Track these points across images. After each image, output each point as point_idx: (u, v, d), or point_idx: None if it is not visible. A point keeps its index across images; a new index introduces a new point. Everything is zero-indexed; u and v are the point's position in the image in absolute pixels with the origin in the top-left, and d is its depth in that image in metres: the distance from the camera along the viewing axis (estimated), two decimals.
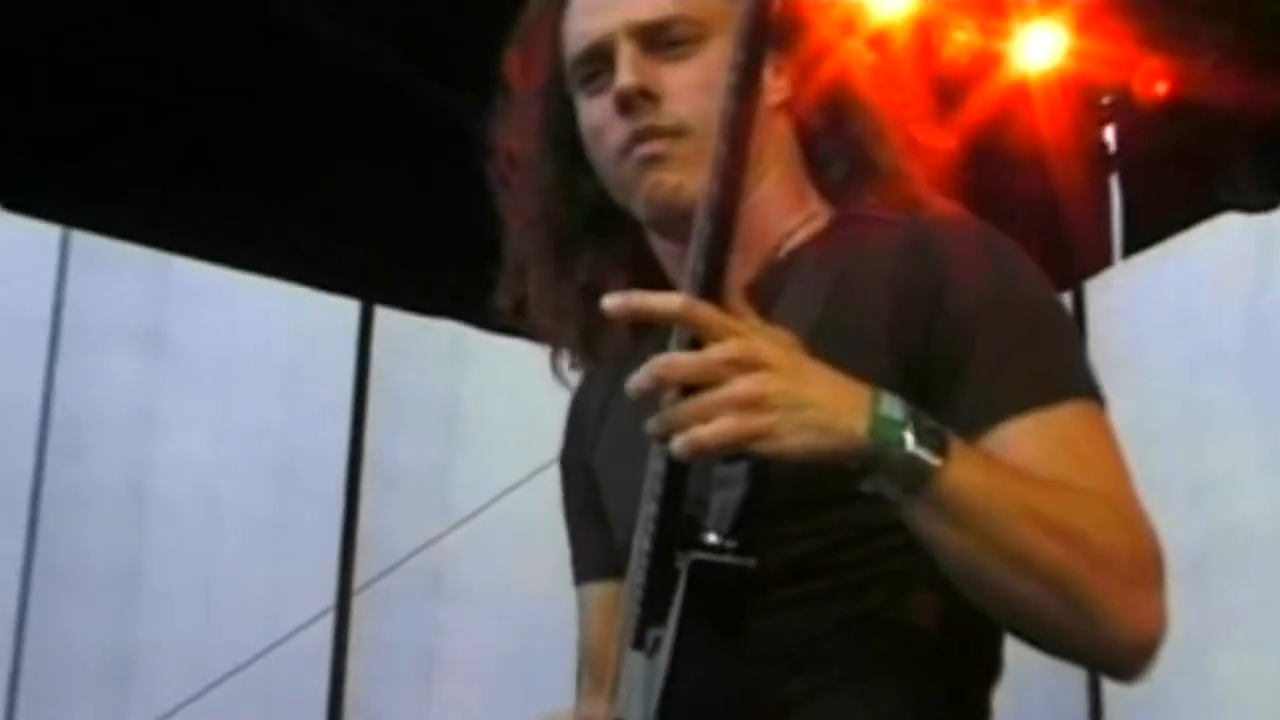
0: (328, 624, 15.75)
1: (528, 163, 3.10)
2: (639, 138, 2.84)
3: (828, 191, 3.00)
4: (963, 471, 2.49)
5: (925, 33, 11.07)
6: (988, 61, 12.79)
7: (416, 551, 16.04)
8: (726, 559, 2.51)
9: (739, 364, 2.40)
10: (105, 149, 13.19)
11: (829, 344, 2.65)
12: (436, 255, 14.16)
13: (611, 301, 2.57)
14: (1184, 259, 14.00)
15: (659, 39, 2.86)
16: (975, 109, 12.85)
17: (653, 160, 2.81)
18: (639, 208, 2.92)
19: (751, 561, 2.52)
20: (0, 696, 14.46)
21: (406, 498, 16.20)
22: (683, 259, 2.71)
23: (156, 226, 14.31)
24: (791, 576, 2.60)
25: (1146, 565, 2.66)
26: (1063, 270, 14.66)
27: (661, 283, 2.95)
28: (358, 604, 15.88)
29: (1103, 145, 14.11)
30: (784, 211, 2.85)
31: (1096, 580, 2.57)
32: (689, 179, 2.71)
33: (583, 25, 2.90)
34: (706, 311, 2.46)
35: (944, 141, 3.11)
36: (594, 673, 3.00)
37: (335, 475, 15.97)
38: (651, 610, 2.60)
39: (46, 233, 14.46)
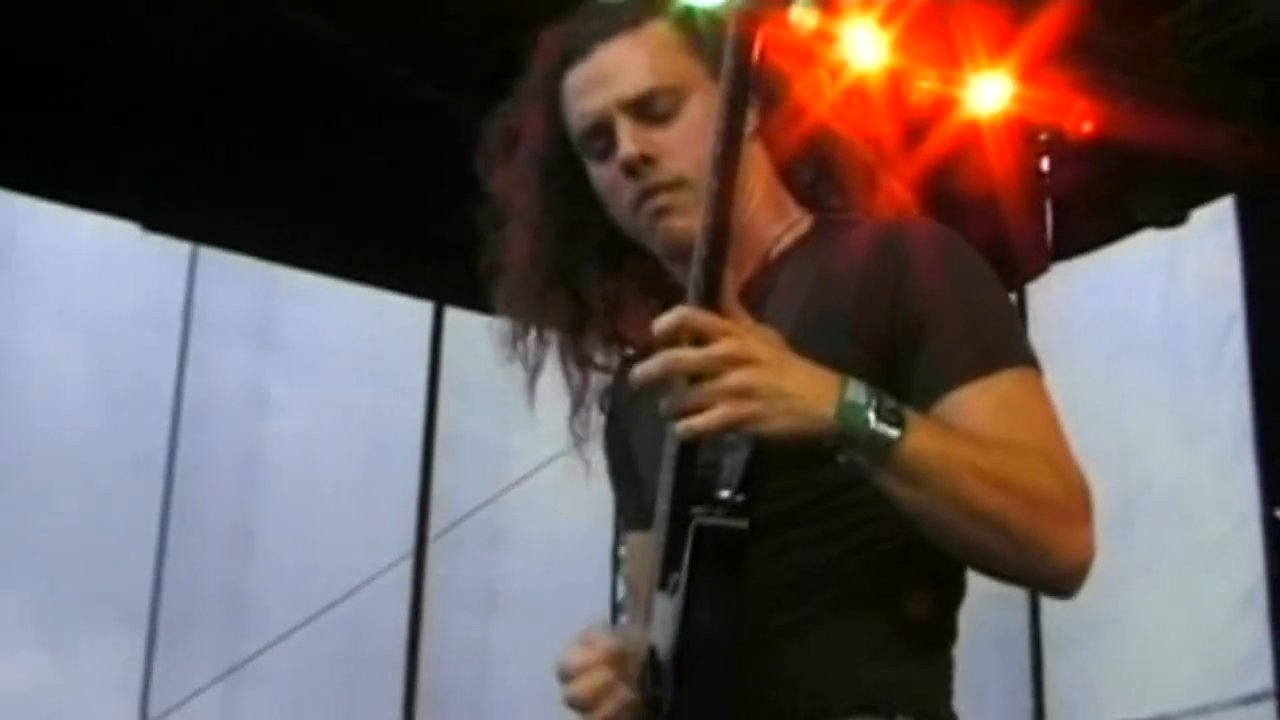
0: (406, 567, 15.83)
1: (530, 211, 3.10)
2: (646, 194, 2.91)
3: (803, 200, 3.02)
4: (918, 441, 2.57)
5: (896, 81, 11.06)
6: (946, 105, 12.80)
7: (479, 508, 16.07)
8: (724, 522, 2.58)
9: (731, 360, 2.49)
10: (225, 180, 13.27)
11: (810, 330, 2.74)
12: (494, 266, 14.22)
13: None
14: (1108, 265, 14.04)
15: (646, 110, 2.90)
16: (936, 142, 12.89)
17: (661, 211, 2.87)
18: (656, 247, 2.99)
19: (744, 524, 2.61)
20: (142, 628, 14.50)
21: (471, 464, 16.23)
22: (673, 267, 2.78)
23: (266, 242, 14.42)
24: (788, 523, 2.66)
25: (1076, 503, 2.74)
26: (1008, 274, 14.71)
27: (672, 289, 2.97)
28: (431, 551, 15.95)
29: (1040, 173, 14.17)
30: (770, 222, 2.90)
31: (1035, 521, 2.68)
32: (693, 220, 2.74)
33: (582, 106, 2.93)
34: (703, 318, 2.56)
35: (902, 158, 3.14)
36: (637, 602, 3.03)
37: (412, 445, 16.08)
38: (671, 559, 2.65)
39: (178, 248, 14.53)
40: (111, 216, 13.94)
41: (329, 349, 16.12)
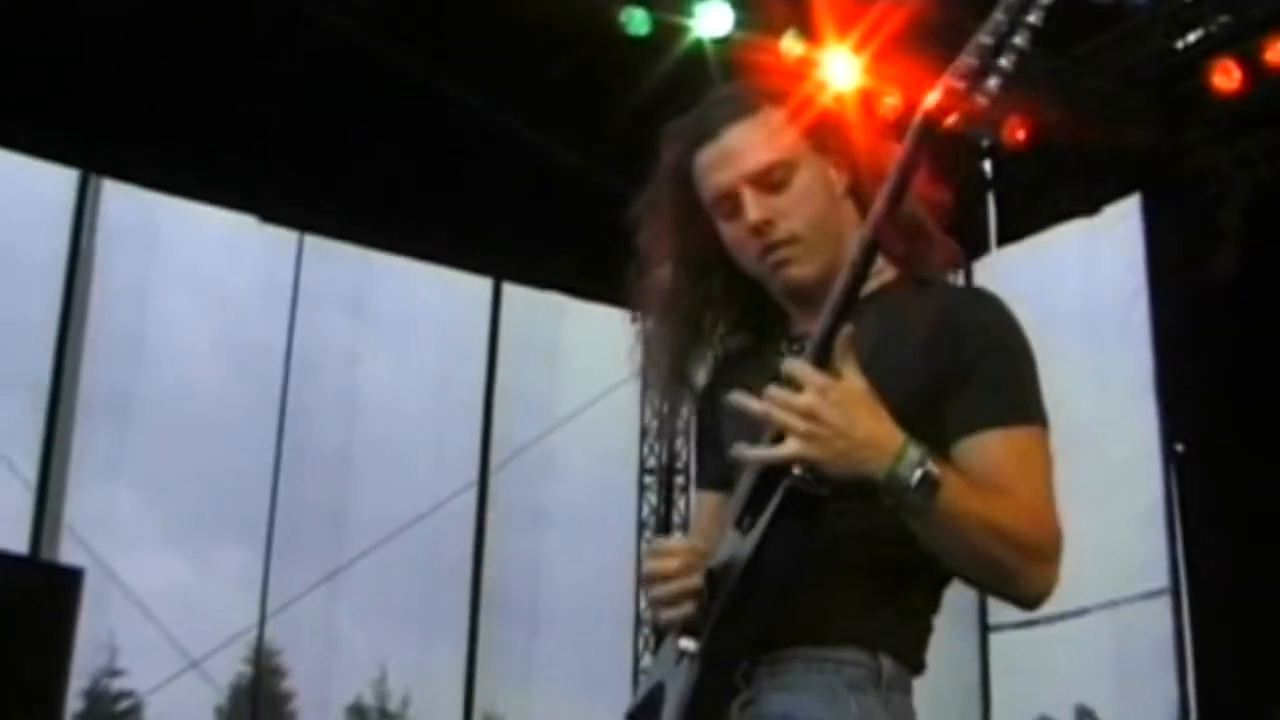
0: (472, 493, 15.90)
1: (665, 259, 3.16)
2: (768, 249, 2.97)
3: (889, 255, 3.07)
4: (943, 504, 2.67)
5: (869, 99, 11.08)
6: (907, 117, 12.78)
7: (530, 444, 16.12)
8: (810, 487, 2.62)
9: (808, 412, 2.60)
10: (325, 181, 13.37)
11: (882, 362, 2.82)
12: (549, 243, 14.38)
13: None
14: (1038, 248, 14.09)
15: (765, 181, 2.96)
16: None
17: (781, 264, 2.94)
18: (776, 289, 3.03)
19: (826, 491, 2.64)
20: (260, 541, 14.58)
21: (523, 409, 16.29)
22: (802, 309, 2.86)
23: (358, 229, 14.51)
24: (844, 500, 2.69)
25: (1050, 549, 2.87)
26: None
27: (776, 313, 3.05)
28: (492, 480, 16.01)
29: (982, 172, 14.19)
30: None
31: (1018, 563, 2.82)
32: (805, 269, 2.91)
33: (713, 179, 2.98)
34: (804, 372, 2.68)
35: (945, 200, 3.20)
36: (696, 539, 3.06)
37: (476, 394, 16.14)
38: (751, 507, 2.70)
39: (288, 235, 14.62)
40: (235, 211, 14.03)
41: (408, 316, 16.21)
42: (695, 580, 2.86)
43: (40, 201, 13.73)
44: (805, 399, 2.64)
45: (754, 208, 3.01)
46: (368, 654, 16.79)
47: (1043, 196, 13.61)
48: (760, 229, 3.01)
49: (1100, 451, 14.13)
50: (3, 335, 13.51)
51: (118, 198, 13.97)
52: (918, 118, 2.79)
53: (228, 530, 15.48)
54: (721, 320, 3.28)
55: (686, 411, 3.46)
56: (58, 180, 13.60)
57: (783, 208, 3.02)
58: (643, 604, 16.89)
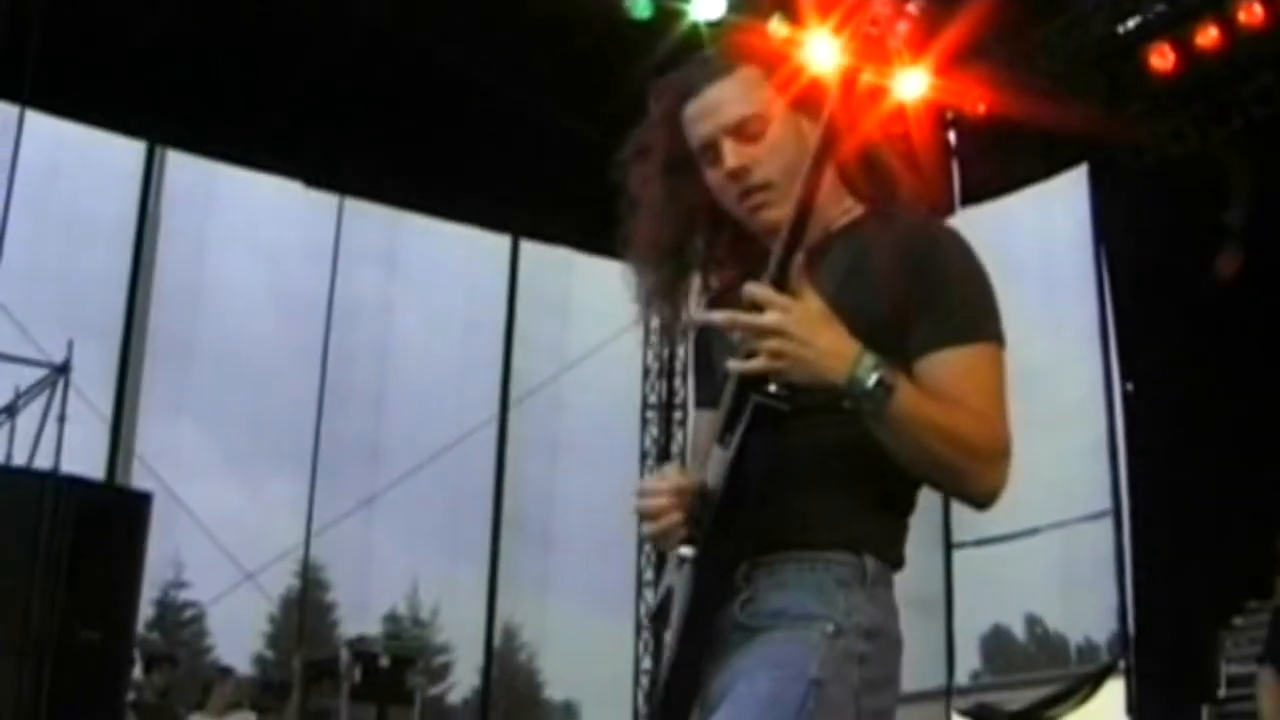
0: (494, 426, 16.02)
1: (655, 201, 3.21)
2: (745, 194, 2.96)
3: (855, 192, 3.09)
4: (898, 407, 2.71)
5: (848, 78, 11.11)
6: (880, 93, 12.89)
7: (545, 383, 16.23)
8: (772, 402, 2.71)
9: (770, 329, 2.66)
10: (364, 150, 13.49)
11: (850, 289, 2.87)
12: (561, 204, 14.46)
13: (718, 317, 2.84)
14: (998, 210, 14.13)
15: (742, 131, 2.95)
16: (873, 123, 12.95)
17: (756, 207, 2.95)
18: (754, 229, 3.04)
19: (786, 406, 2.73)
20: (306, 470, 14.70)
21: (539, 351, 16.38)
22: (774, 246, 2.93)
23: (392, 192, 14.66)
24: (812, 413, 2.76)
25: (998, 453, 2.88)
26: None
27: (754, 251, 3.10)
28: (511, 414, 16.12)
29: (947, 141, 14.26)
30: (830, 206, 2.93)
31: (968, 464, 2.83)
32: (778, 211, 2.88)
33: (697, 130, 2.98)
34: (763, 294, 2.70)
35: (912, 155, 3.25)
36: (695, 458, 3.13)
37: (496, 338, 16.26)
38: (730, 424, 2.80)
39: (330, 198, 14.75)
40: (283, 176, 14.16)
41: (436, 270, 16.31)
42: (679, 515, 2.94)
43: (112, 170, 13.88)
44: (770, 317, 2.70)
45: (731, 156, 3.04)
46: (401, 570, 16.94)
47: (1001, 164, 13.71)
48: (737, 174, 3.03)
49: (1052, 392, 14.22)
50: (81, 289, 13.67)
51: (180, 166, 14.16)
52: (839, 70, 2.84)
53: (277, 460, 15.61)
54: (708, 258, 3.30)
55: (682, 342, 3.50)
56: (127, 151, 13.82)
57: (758, 156, 3.01)
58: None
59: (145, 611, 14.57)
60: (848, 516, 2.95)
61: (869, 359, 2.73)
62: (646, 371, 17.29)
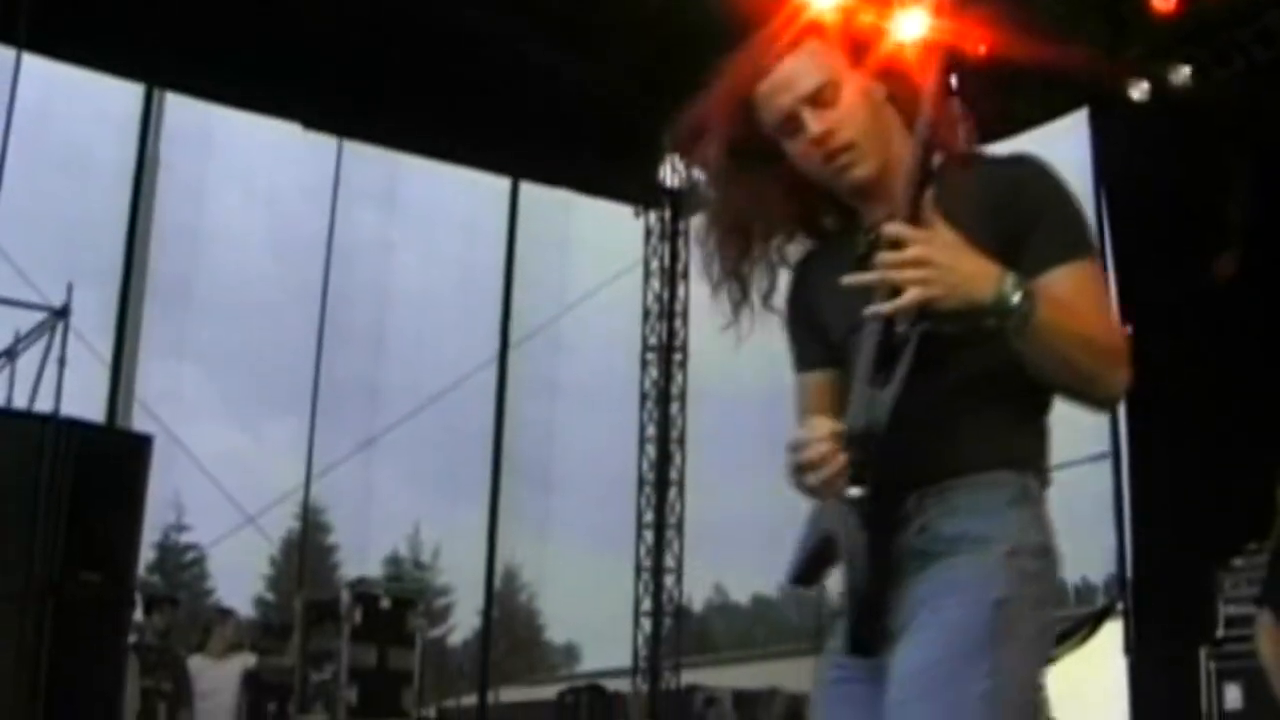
0: (494, 367, 16.05)
1: (720, 179, 3.25)
2: (830, 157, 3.01)
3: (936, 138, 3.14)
4: (1040, 320, 2.78)
5: (848, 17, 11.06)
6: (879, 33, 12.86)
7: (545, 324, 16.27)
8: (939, 326, 2.78)
9: (917, 260, 2.72)
10: (362, 93, 13.48)
11: (960, 230, 2.92)
12: (561, 146, 14.48)
13: (870, 312, 2.87)
14: (998, 152, 14.10)
15: (818, 99, 3.01)
16: (873, 62, 12.95)
17: (844, 167, 3.00)
18: (843, 190, 3.09)
19: (951, 328, 2.80)
20: (306, 411, 14.76)
21: (538, 293, 16.42)
22: (869, 203, 2.99)
23: (392, 135, 14.64)
24: (960, 344, 2.82)
25: (1123, 357, 2.95)
26: None
27: (849, 211, 3.16)
28: (512, 355, 16.15)
29: (948, 83, 14.22)
30: (909, 157, 3.02)
31: (1102, 369, 2.91)
32: (864, 168, 2.99)
33: (775, 105, 3.03)
34: (903, 230, 2.77)
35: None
36: (802, 421, 3.15)
37: (497, 280, 16.28)
38: (883, 362, 2.85)
39: (329, 140, 14.75)
40: (282, 119, 14.14)
41: (436, 211, 16.36)
42: (840, 460, 3.03)
43: (110, 112, 13.88)
44: (914, 250, 2.76)
45: (813, 122, 3.09)
46: (402, 512, 17.10)
47: (1002, 106, 13.67)
48: (821, 139, 3.08)
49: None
50: (80, 232, 13.71)
51: (178, 108, 14.11)
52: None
53: (277, 402, 15.73)
54: (776, 232, 3.35)
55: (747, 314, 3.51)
56: (125, 94, 13.74)
57: (837, 119, 3.08)
58: (644, 466, 17.25)
59: (146, 554, 14.70)
60: (1005, 438, 3.04)
61: (1011, 277, 2.80)
62: (646, 313, 17.30)
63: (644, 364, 17.28)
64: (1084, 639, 13.62)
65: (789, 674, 16.07)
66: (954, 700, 2.82)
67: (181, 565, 21.26)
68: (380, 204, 15.92)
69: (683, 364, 17.13)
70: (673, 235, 17.38)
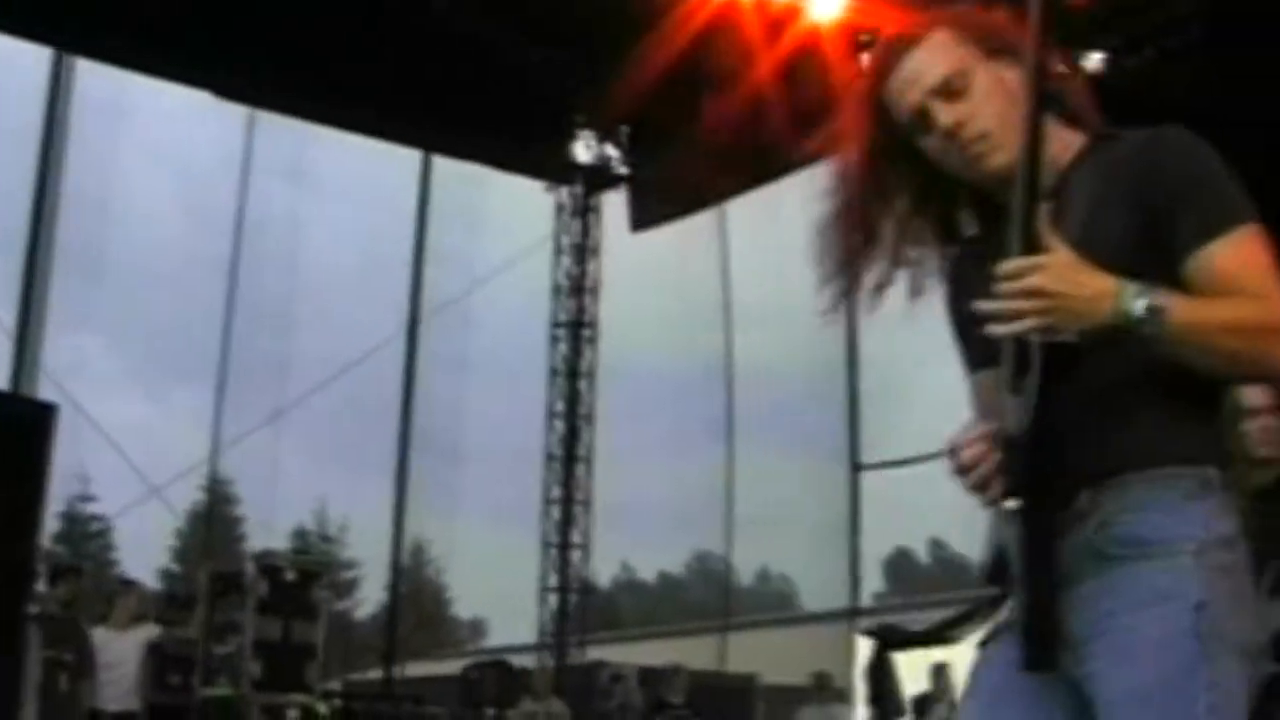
0: (403, 340, 16.06)
1: (854, 181, 3.20)
2: (964, 148, 2.94)
3: (1069, 125, 3.07)
4: (1175, 323, 2.71)
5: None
6: (793, 14, 12.97)
7: (455, 299, 16.26)
8: (1058, 338, 2.74)
9: (1033, 291, 2.65)
10: (274, 63, 13.40)
11: (1101, 211, 2.87)
12: (475, 120, 14.46)
13: (980, 306, 2.80)
14: None
15: (947, 91, 2.92)
16: (789, 43, 13.05)
17: (978, 158, 2.92)
18: (977, 181, 3.03)
19: (1074, 338, 2.74)
20: (213, 382, 14.70)
21: (449, 267, 16.41)
22: (1005, 195, 2.97)
23: (304, 105, 14.59)
24: (1113, 345, 2.78)
25: None
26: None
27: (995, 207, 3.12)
28: (421, 329, 16.14)
29: (861, 65, 14.29)
30: (1051, 145, 2.93)
31: (1265, 349, 2.80)
32: (1000, 158, 2.87)
33: (905, 101, 2.94)
34: (1017, 265, 2.71)
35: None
36: (981, 418, 3.10)
37: (406, 253, 16.30)
38: (1020, 369, 2.82)
39: (240, 110, 14.68)
40: (194, 87, 14.06)
41: (347, 183, 16.26)
42: (994, 460, 2.97)
43: (17, 77, 13.68)
44: (1028, 281, 2.71)
45: (944, 114, 3.01)
46: (309, 485, 17.01)
47: None
48: (953, 131, 3.00)
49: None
50: None
51: (88, 74, 13.97)
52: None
53: (184, 373, 15.61)
54: (906, 236, 3.30)
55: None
56: (33, 57, 13.60)
57: (968, 111, 2.97)
58: (553, 442, 17.30)
59: (51, 525, 14.57)
60: (1173, 433, 2.92)
61: (1131, 288, 2.74)
62: (557, 289, 17.33)
63: (553, 340, 17.31)
64: (986, 619, 13.79)
65: (694, 651, 16.13)
66: None
67: (87, 536, 21.07)
68: (291, 175, 15.85)
69: (592, 340, 17.17)
70: (584, 211, 17.42)
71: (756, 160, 15.01)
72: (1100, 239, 2.84)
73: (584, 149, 17.07)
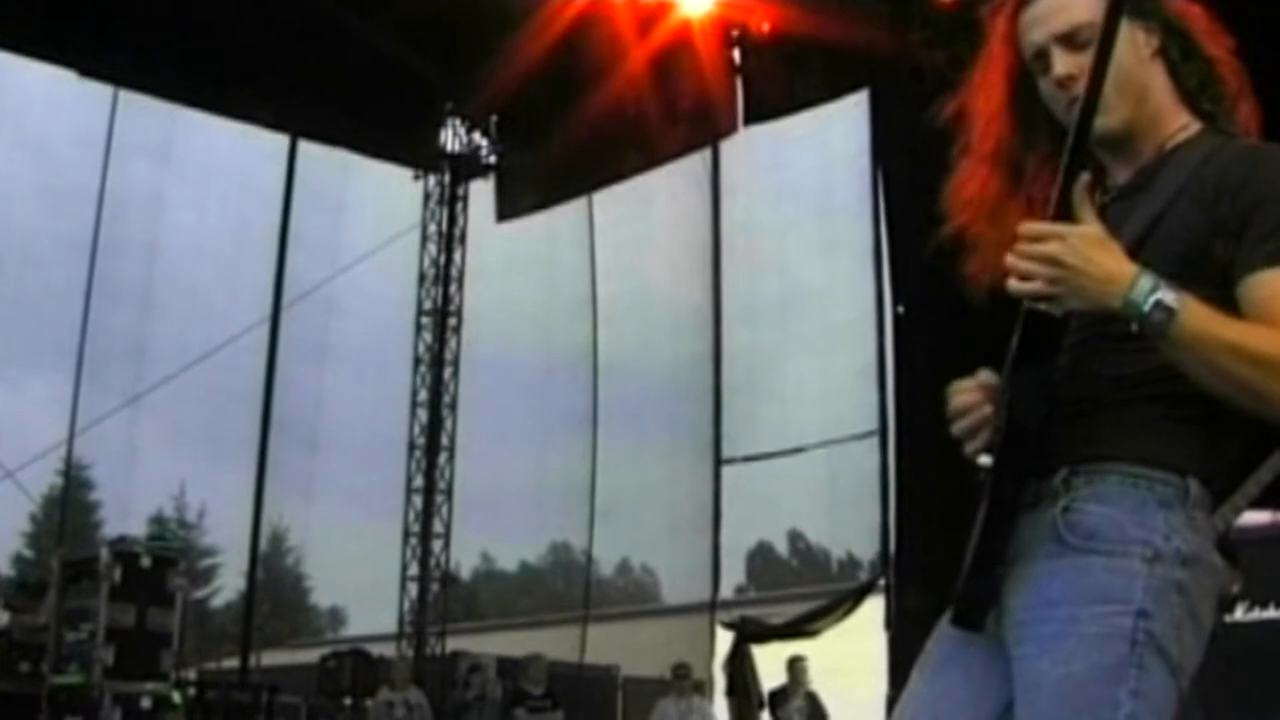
0: (265, 328, 15.91)
1: (990, 110, 3.12)
2: (1073, 102, 2.88)
3: (1193, 109, 3.00)
4: (1184, 329, 2.65)
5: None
6: (665, 8, 12.96)
7: (318, 286, 16.14)
8: (1042, 309, 2.68)
9: (1047, 258, 2.61)
10: (141, 41, 13.21)
11: (1181, 201, 2.83)
12: (342, 105, 14.34)
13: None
14: (780, 129, 14.25)
15: (1072, 40, 2.85)
16: (659, 36, 13.04)
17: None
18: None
19: (1059, 311, 2.69)
20: (71, 368, 14.58)
21: (313, 254, 16.29)
22: (1114, 160, 2.89)
23: (170, 86, 14.45)
24: (1131, 337, 2.71)
25: None
26: (711, 134, 14.96)
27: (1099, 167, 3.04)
28: (284, 316, 16.00)
29: (732, 59, 14.31)
30: (1166, 123, 2.85)
31: (1264, 381, 2.69)
32: (1106, 120, 2.78)
33: (1030, 38, 2.88)
34: (1038, 228, 2.70)
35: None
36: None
37: (271, 239, 16.18)
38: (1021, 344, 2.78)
39: (104, 89, 14.46)
40: (57, 66, 13.86)
41: (212, 167, 16.05)
42: (988, 410, 2.94)
43: None
44: (1047, 247, 2.69)
45: (1059, 64, 2.94)
46: (168, 470, 16.72)
47: (785, 84, 13.80)
48: (1063, 83, 2.93)
49: (825, 311, 14.46)
50: None
51: None
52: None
53: (41, 356, 15.34)
54: (1046, 168, 3.22)
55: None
56: None
57: (1085, 65, 2.88)
58: (415, 430, 17.19)
59: None
60: (1166, 437, 2.86)
61: (1146, 281, 2.68)
62: (422, 277, 17.26)
63: (418, 328, 17.24)
64: (846, 613, 13.88)
65: (555, 642, 16.13)
66: None
67: None
68: (155, 157, 15.61)
69: (457, 329, 17.11)
70: (451, 200, 17.34)
71: (624, 152, 15.04)
72: (1164, 233, 2.83)
73: (453, 137, 17.01)
